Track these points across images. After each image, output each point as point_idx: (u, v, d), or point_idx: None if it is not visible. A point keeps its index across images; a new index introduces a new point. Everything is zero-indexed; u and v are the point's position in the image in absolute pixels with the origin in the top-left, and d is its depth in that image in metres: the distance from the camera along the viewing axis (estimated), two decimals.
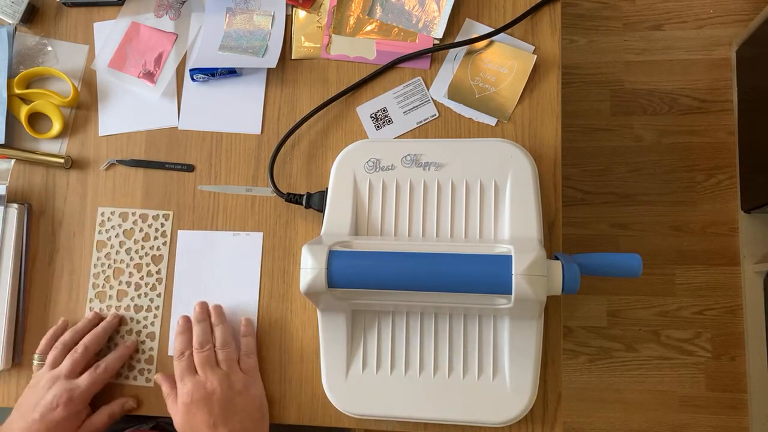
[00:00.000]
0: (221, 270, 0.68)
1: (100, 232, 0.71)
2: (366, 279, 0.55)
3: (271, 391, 0.66)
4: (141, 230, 0.70)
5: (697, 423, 1.36)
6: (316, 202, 0.65)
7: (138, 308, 0.69)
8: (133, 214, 0.70)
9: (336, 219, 0.62)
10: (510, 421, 0.58)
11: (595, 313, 1.41)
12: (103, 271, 0.70)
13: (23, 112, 0.72)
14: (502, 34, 0.68)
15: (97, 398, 0.65)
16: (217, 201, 0.70)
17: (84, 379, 0.62)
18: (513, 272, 0.52)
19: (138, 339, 0.68)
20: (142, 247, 0.70)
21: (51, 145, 0.73)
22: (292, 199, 0.66)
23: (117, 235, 0.70)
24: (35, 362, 0.65)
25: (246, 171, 0.70)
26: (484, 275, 0.53)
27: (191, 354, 0.63)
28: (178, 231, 0.70)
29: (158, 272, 0.69)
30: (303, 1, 0.71)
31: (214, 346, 0.63)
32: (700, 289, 1.39)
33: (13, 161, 0.73)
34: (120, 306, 0.69)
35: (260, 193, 0.69)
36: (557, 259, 0.56)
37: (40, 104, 0.72)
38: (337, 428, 0.67)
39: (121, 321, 0.68)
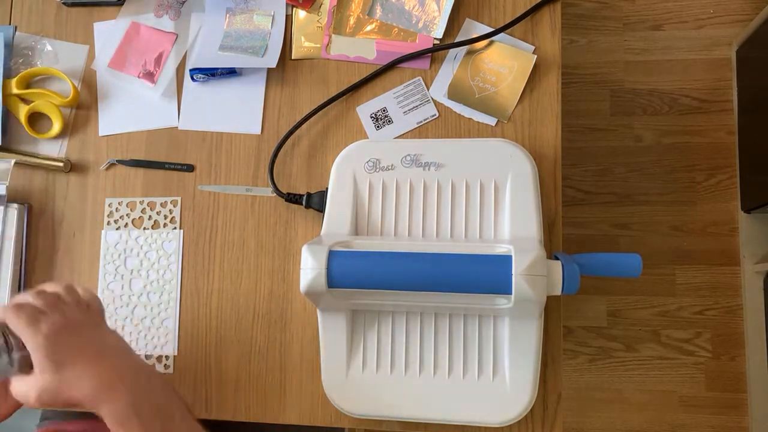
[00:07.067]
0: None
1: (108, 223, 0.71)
2: (366, 279, 0.55)
3: (271, 391, 0.66)
4: (150, 218, 0.71)
5: (697, 423, 1.36)
6: (316, 202, 0.65)
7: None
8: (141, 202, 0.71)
9: (336, 219, 0.62)
10: (510, 421, 0.58)
11: (595, 313, 1.41)
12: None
13: (23, 112, 0.72)
14: (502, 34, 0.68)
15: None
16: (217, 201, 0.70)
17: None
18: (513, 272, 0.52)
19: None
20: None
21: (51, 145, 0.73)
22: (292, 199, 0.66)
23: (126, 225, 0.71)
24: None
25: (246, 171, 0.70)
26: (484, 275, 0.53)
27: None
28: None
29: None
30: (303, 1, 0.71)
31: None
32: (700, 289, 1.39)
33: (13, 161, 0.73)
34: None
35: (260, 193, 0.69)
36: (557, 259, 0.56)
37: (40, 104, 0.72)
38: (337, 428, 0.67)
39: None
